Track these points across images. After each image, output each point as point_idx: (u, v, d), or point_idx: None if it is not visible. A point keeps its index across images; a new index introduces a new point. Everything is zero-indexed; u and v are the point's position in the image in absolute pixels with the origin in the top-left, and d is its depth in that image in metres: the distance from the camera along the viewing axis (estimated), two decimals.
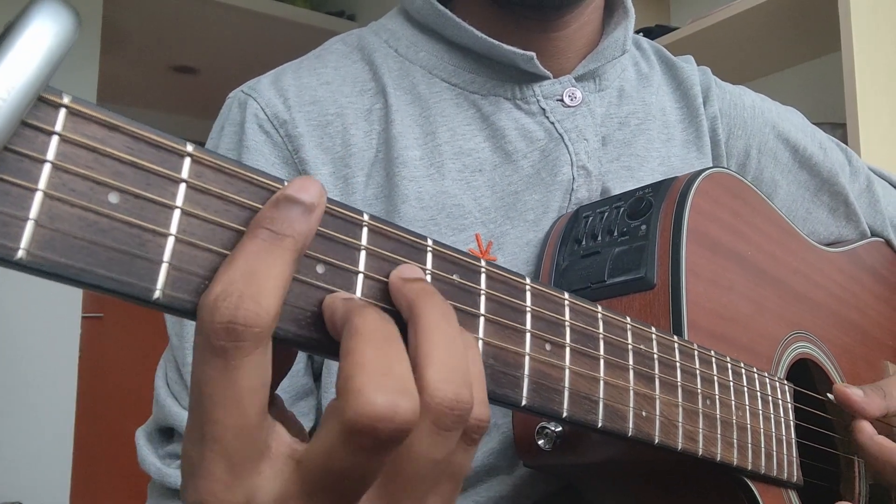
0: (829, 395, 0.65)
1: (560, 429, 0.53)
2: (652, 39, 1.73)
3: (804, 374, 0.66)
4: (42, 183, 0.25)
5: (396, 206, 0.61)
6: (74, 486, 2.31)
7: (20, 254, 0.24)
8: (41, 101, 0.26)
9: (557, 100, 0.67)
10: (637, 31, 1.80)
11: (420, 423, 0.30)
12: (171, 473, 0.58)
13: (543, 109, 0.66)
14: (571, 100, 0.67)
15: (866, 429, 0.61)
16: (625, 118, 0.70)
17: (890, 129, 1.34)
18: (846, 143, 1.28)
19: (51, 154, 0.25)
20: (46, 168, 0.25)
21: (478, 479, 0.62)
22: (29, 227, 0.25)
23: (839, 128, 1.49)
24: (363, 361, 0.28)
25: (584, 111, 0.67)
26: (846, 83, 1.32)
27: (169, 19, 2.67)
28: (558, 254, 0.61)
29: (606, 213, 0.61)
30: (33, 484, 2.21)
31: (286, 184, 0.31)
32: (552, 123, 0.66)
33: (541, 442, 0.53)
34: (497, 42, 0.64)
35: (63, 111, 0.26)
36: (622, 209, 0.60)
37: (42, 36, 0.25)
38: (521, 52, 0.64)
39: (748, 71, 1.85)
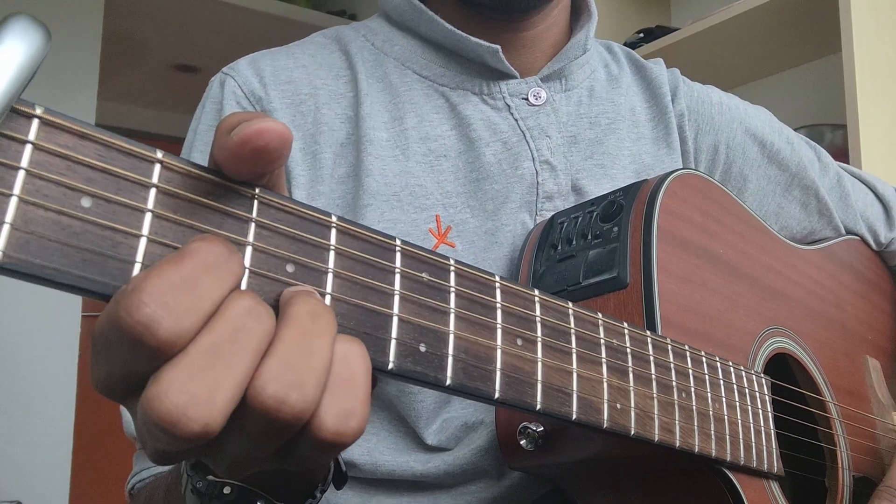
0: (821, 384, 0.66)
1: (542, 428, 0.54)
2: (652, 40, 1.77)
3: (784, 369, 0.67)
4: (17, 188, 0.26)
5: (361, 180, 0.64)
6: (74, 486, 2.30)
7: None
8: (14, 112, 0.27)
9: (523, 98, 0.70)
10: (638, 32, 1.84)
11: (241, 419, 0.28)
12: None
13: (509, 106, 0.69)
14: (536, 99, 0.70)
15: None
16: (595, 118, 0.73)
17: (890, 129, 1.35)
18: (846, 144, 1.29)
19: (24, 161, 0.27)
20: (20, 175, 0.27)
21: (466, 479, 0.63)
22: (5, 230, 0.26)
23: (839, 129, 1.49)
24: (190, 350, 0.27)
25: (548, 110, 0.70)
26: (846, 84, 1.33)
27: (170, 18, 2.71)
28: (535, 260, 0.63)
29: (580, 218, 0.62)
30: (33, 483, 2.21)
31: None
32: (516, 120, 0.69)
33: (523, 442, 0.54)
34: (465, 35, 0.67)
35: (36, 122, 0.27)
36: (595, 213, 0.61)
37: (13, 52, 0.27)
38: (487, 44, 0.67)
39: (748, 72, 1.86)
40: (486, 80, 0.69)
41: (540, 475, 0.60)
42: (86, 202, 0.28)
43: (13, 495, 2.17)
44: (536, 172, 0.68)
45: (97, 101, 2.40)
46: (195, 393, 0.26)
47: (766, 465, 0.56)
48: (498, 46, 0.67)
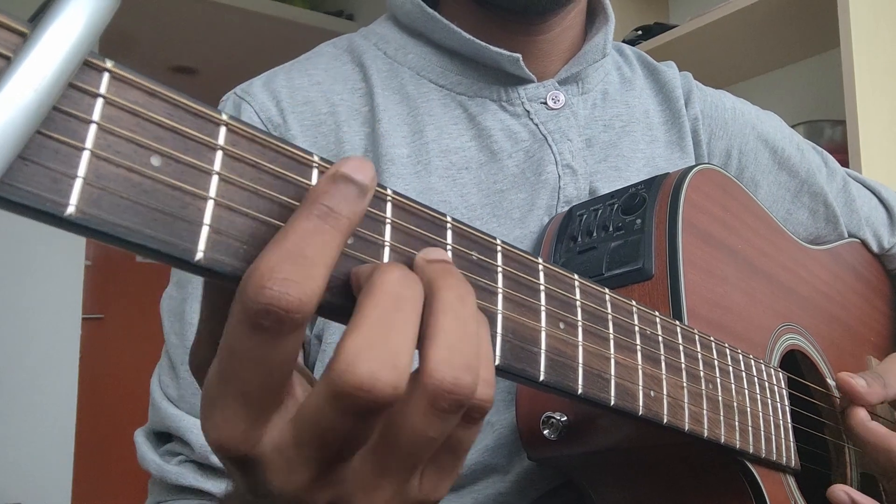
0: (829, 381, 0.67)
1: (566, 418, 0.54)
2: (650, 38, 1.77)
3: (793, 365, 0.67)
4: (89, 142, 0.26)
5: None
6: (76, 487, 2.29)
7: (70, 209, 0.25)
8: (86, 65, 0.26)
9: (541, 102, 0.69)
10: (636, 30, 1.84)
11: (415, 401, 0.30)
12: (171, 469, 0.59)
13: (528, 112, 0.69)
14: (555, 102, 0.69)
15: (859, 414, 0.63)
16: (609, 120, 0.72)
17: (889, 125, 1.35)
18: (846, 140, 1.29)
19: (96, 115, 0.26)
20: (92, 129, 0.26)
21: (474, 478, 0.62)
22: (78, 184, 0.25)
23: (839, 125, 1.49)
24: (363, 324, 0.29)
25: (567, 113, 0.70)
26: (845, 80, 1.32)
27: (168, 20, 2.68)
28: (554, 252, 0.62)
29: (600, 211, 0.62)
30: (34, 485, 2.20)
31: (339, 162, 0.31)
32: (536, 125, 0.68)
33: (546, 432, 0.53)
34: (484, 44, 0.66)
35: (107, 75, 0.27)
36: (616, 206, 0.61)
37: (86, 2, 0.26)
38: (508, 53, 0.66)
39: (747, 69, 1.86)
40: (503, 87, 0.68)
41: (557, 466, 0.60)
42: (155, 161, 0.27)
43: (14, 496, 2.14)
44: (559, 177, 0.67)
45: None
46: (383, 359, 0.28)
47: (784, 459, 0.57)
48: (519, 55, 0.66)
